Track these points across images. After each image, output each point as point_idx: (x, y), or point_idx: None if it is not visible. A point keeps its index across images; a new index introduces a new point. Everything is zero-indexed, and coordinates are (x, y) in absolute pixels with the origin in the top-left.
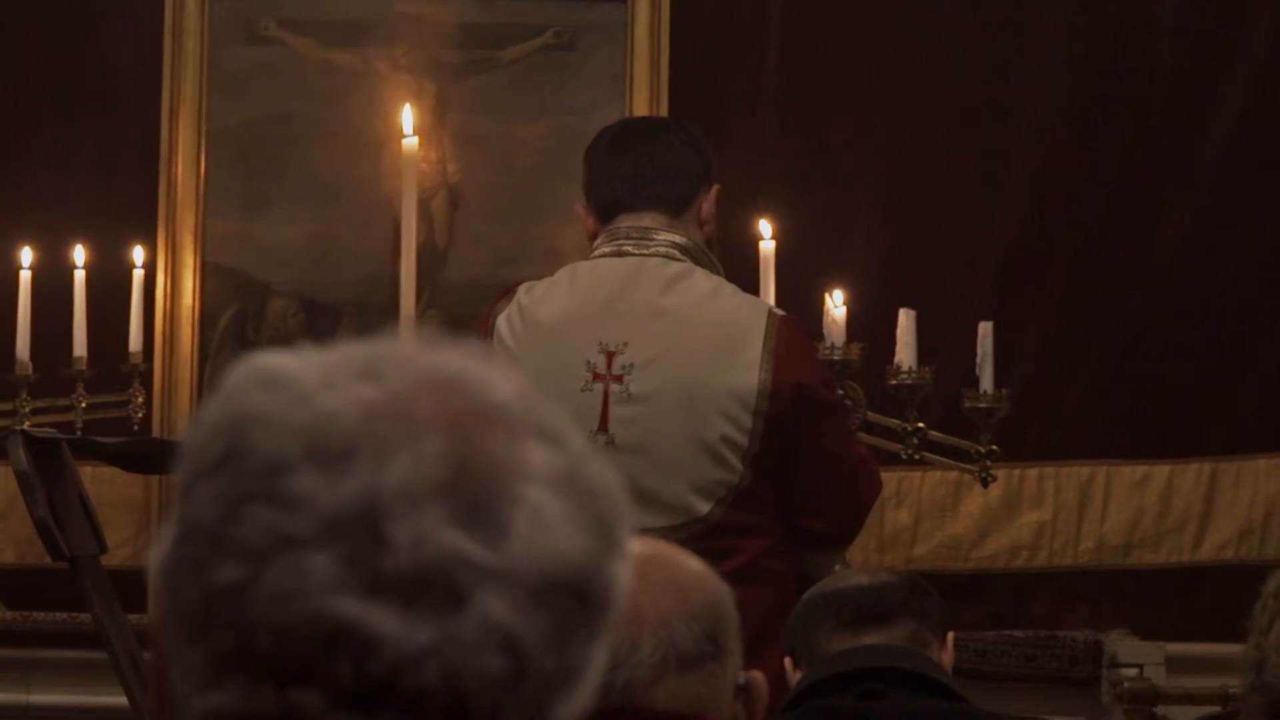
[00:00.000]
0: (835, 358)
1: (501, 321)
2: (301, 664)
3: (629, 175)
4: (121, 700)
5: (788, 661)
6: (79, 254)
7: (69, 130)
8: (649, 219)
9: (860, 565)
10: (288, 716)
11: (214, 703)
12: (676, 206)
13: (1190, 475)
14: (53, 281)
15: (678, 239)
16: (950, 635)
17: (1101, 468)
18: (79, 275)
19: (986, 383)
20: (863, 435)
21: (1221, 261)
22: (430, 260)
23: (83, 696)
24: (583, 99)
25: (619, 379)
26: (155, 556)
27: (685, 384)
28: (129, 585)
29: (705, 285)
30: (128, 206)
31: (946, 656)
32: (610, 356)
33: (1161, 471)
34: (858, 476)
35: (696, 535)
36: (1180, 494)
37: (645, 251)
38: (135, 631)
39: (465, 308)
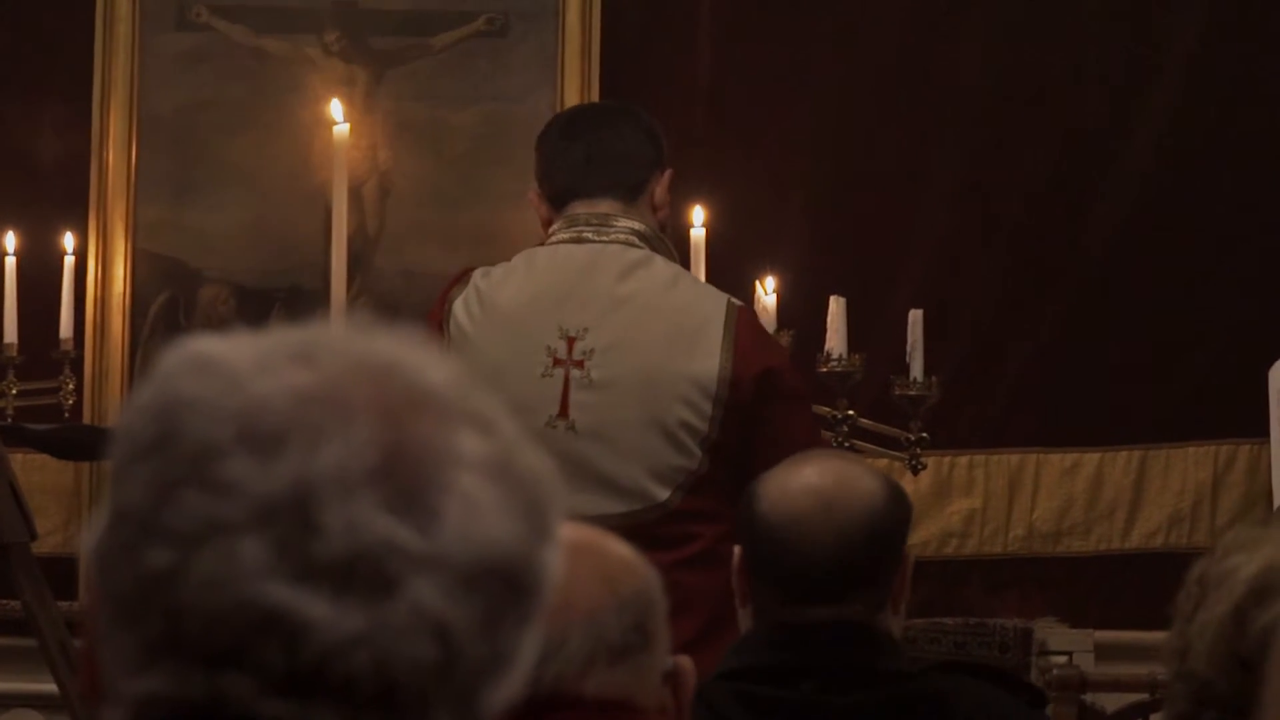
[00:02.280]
0: None
1: (459, 306)
2: (232, 650)
3: (581, 162)
4: (51, 687)
5: (737, 554)
6: (9, 240)
7: None
8: (604, 205)
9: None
10: (218, 702)
11: (144, 687)
12: (630, 193)
13: (1120, 463)
14: None
15: (636, 225)
16: (911, 556)
17: (1031, 455)
18: (9, 262)
19: (917, 370)
20: None
21: (1151, 249)
22: (361, 247)
23: (12, 683)
24: (514, 86)
25: (580, 364)
26: (87, 541)
27: (646, 370)
28: (59, 572)
29: (665, 273)
30: (59, 193)
31: (905, 581)
32: (571, 342)
33: (1091, 459)
34: None
35: (655, 521)
36: (1110, 482)
37: (605, 238)
38: (65, 618)
39: (396, 295)
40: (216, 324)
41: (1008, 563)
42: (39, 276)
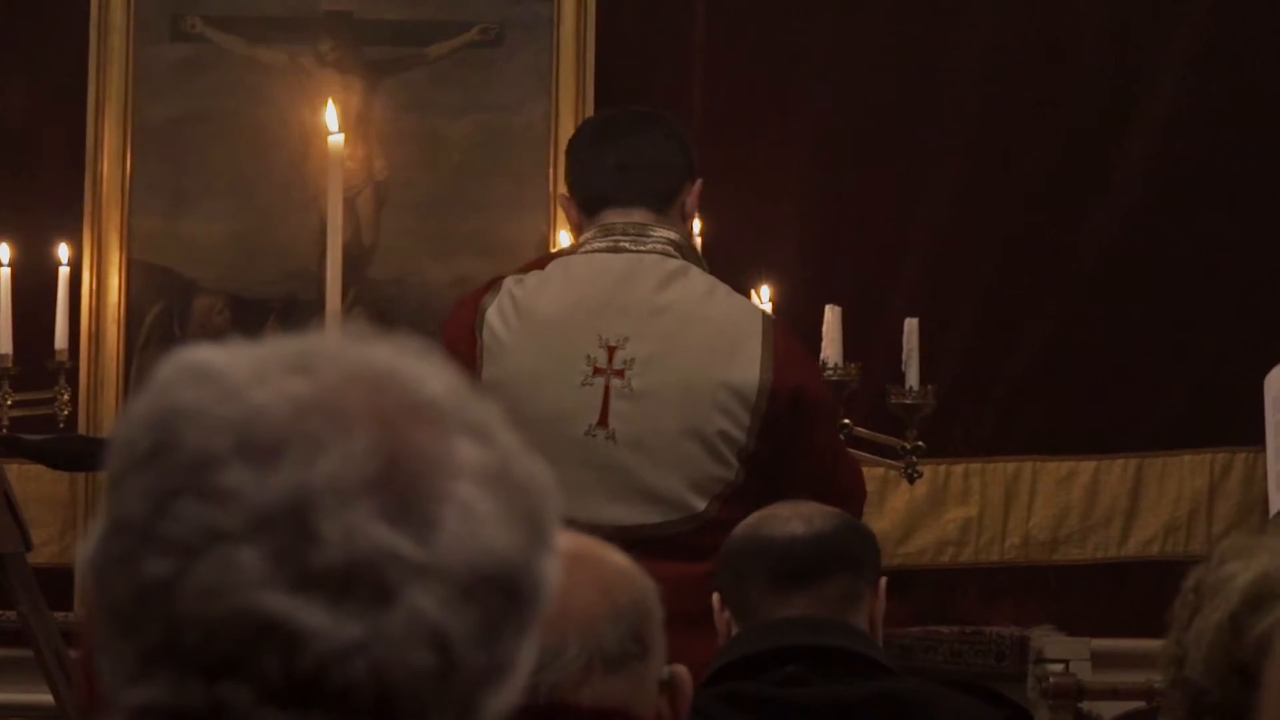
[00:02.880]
0: None
1: (493, 314)
2: (230, 658)
3: (614, 169)
4: (46, 697)
5: (716, 598)
6: (3, 251)
7: None
8: (637, 214)
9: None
10: (216, 711)
11: (142, 697)
12: (663, 202)
13: (1116, 471)
14: None
15: (671, 235)
16: (883, 581)
17: (1028, 463)
18: (4, 272)
19: (912, 379)
20: None
21: (1147, 258)
22: (356, 257)
23: (7, 694)
24: (509, 96)
25: (620, 374)
26: (84, 551)
27: (686, 380)
28: (55, 582)
29: (702, 283)
30: (53, 203)
31: (879, 605)
32: (611, 351)
33: (1087, 467)
34: (853, 481)
35: (692, 531)
36: (1106, 490)
37: (642, 248)
38: (61, 629)
39: (391, 305)
40: (211, 335)
41: (1004, 571)
42: (34, 287)
